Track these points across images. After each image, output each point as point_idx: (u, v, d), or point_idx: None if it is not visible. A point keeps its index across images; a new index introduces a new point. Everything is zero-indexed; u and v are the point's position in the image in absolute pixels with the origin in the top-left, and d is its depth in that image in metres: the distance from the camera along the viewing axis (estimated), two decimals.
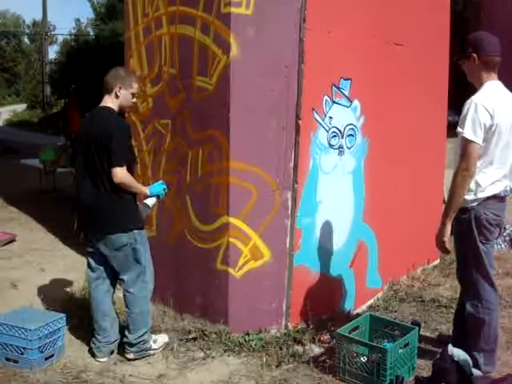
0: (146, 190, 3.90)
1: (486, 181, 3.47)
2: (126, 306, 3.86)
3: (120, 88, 3.76)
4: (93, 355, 3.93)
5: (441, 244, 3.56)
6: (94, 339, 3.92)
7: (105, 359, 3.88)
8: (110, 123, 3.68)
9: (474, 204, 3.49)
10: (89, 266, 3.93)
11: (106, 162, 3.62)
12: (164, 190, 4.01)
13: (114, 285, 3.99)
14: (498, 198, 3.53)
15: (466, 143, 3.37)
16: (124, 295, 3.87)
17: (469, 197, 3.49)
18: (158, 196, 3.99)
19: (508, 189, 3.57)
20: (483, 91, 3.47)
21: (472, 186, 3.47)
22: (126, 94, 3.79)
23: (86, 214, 3.81)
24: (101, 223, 3.73)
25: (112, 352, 3.92)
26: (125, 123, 3.84)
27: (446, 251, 3.62)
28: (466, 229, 3.53)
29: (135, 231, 3.76)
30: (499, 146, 3.45)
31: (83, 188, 3.75)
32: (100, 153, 3.62)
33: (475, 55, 3.48)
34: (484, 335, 3.58)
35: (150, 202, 3.97)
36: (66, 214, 6.81)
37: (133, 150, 3.95)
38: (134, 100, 3.93)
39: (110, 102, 3.78)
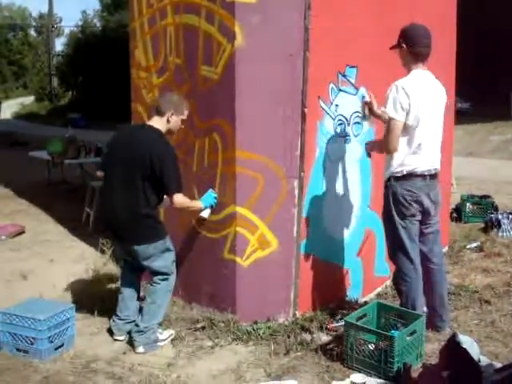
0: (201, 204, 4.08)
1: (404, 160, 3.78)
2: (148, 295, 3.94)
3: (172, 114, 3.83)
4: (111, 334, 4.04)
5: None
6: (114, 317, 4.04)
7: (122, 337, 4.00)
8: (163, 147, 3.77)
9: (392, 181, 3.84)
10: (118, 256, 4.13)
11: (151, 181, 3.73)
12: (215, 198, 4.13)
13: (142, 271, 4.11)
14: (418, 177, 3.80)
15: (389, 121, 3.72)
16: (150, 284, 3.96)
17: (388, 173, 3.84)
18: (211, 206, 4.13)
19: (431, 168, 3.85)
20: (407, 77, 3.79)
21: (391, 163, 3.81)
22: (177, 120, 3.88)
23: (116, 226, 3.86)
24: (131, 236, 3.81)
25: (129, 332, 3.99)
26: (173, 147, 3.88)
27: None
28: (386, 204, 3.90)
29: (160, 241, 3.86)
30: (418, 127, 3.74)
31: (114, 201, 3.81)
32: (147, 172, 3.70)
33: (405, 46, 3.80)
34: (403, 305, 3.93)
35: (206, 214, 4.17)
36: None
37: None
38: (183, 126, 3.99)
39: (159, 123, 3.85)
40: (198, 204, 4.09)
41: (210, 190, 4.15)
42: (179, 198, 3.79)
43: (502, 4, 18.14)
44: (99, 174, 4.12)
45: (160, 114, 3.85)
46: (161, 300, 3.92)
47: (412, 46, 3.78)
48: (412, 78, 3.77)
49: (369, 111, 4.16)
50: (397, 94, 3.67)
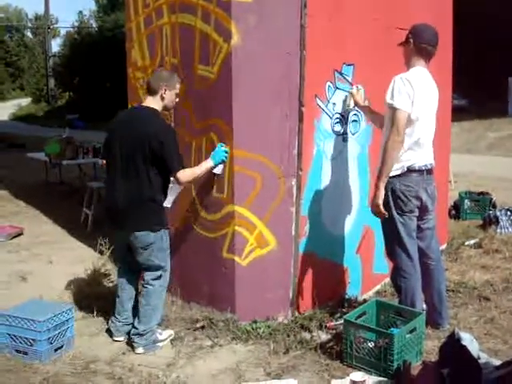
0: (210, 163, 3.96)
1: (401, 156, 3.77)
2: (143, 297, 3.92)
3: (165, 90, 3.79)
4: (110, 335, 4.04)
5: (375, 208, 3.81)
6: (113, 319, 4.03)
7: (121, 338, 4.00)
8: (160, 125, 3.73)
9: (391, 177, 3.79)
10: (116, 255, 4.05)
11: (152, 163, 3.68)
12: (226, 152, 4.01)
13: (140, 272, 4.09)
14: (416, 172, 3.82)
15: (395, 111, 3.69)
16: (143, 286, 3.94)
17: None
18: (223, 161, 4.02)
19: (427, 164, 3.88)
20: (408, 72, 3.83)
21: None
22: (171, 94, 3.84)
23: (117, 213, 3.82)
24: (133, 222, 3.77)
25: (128, 333, 3.98)
26: (170, 125, 3.79)
27: (381, 215, 3.82)
28: (385, 200, 3.80)
29: (162, 231, 3.84)
30: (418, 122, 3.77)
31: (116, 186, 3.78)
32: (147, 152, 3.66)
33: (412, 41, 3.86)
34: (401, 302, 3.93)
35: (219, 170, 4.04)
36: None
37: None
38: (177, 100, 3.94)
39: (154, 103, 3.81)
40: (205, 166, 3.95)
41: (220, 144, 4.04)
42: (185, 173, 3.73)
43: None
44: (101, 162, 4.09)
45: (153, 93, 3.81)
46: (156, 301, 3.90)
47: (419, 42, 3.83)
48: (414, 73, 3.81)
49: (354, 103, 4.32)
50: (403, 84, 3.69)
